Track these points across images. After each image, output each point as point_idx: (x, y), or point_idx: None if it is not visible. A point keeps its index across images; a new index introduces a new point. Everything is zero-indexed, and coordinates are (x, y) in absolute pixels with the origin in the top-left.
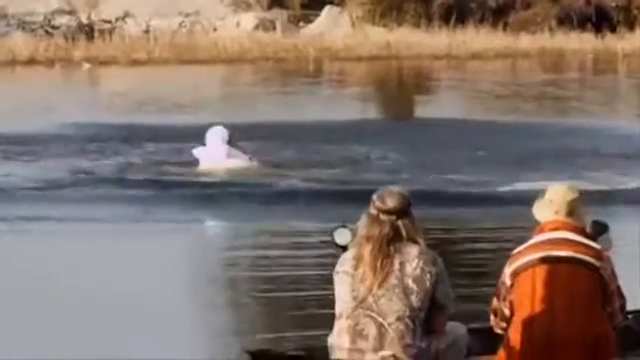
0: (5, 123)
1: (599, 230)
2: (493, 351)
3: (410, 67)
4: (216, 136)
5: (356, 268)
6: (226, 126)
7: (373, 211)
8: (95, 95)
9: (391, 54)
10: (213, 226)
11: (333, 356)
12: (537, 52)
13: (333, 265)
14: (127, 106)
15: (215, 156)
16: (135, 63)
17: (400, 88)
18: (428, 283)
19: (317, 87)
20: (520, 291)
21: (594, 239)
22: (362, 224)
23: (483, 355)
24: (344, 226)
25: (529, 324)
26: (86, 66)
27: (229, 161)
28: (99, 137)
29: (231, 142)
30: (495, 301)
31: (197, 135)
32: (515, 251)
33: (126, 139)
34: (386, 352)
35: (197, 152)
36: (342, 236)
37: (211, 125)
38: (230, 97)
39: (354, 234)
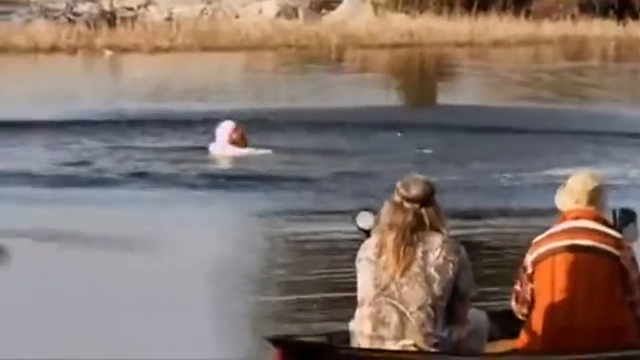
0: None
1: (626, 219)
2: (513, 335)
3: (432, 54)
4: (224, 132)
5: (379, 255)
6: (248, 112)
7: (397, 199)
8: (119, 82)
9: (413, 41)
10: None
11: (354, 342)
12: (559, 39)
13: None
14: (149, 93)
15: (224, 151)
16: (157, 50)
17: (422, 75)
18: (451, 272)
19: (339, 74)
20: (540, 279)
21: (619, 228)
22: (385, 211)
23: (503, 339)
24: (367, 209)
25: (550, 311)
26: (108, 53)
27: (238, 151)
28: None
29: (240, 135)
30: (517, 287)
31: (216, 122)
32: (536, 239)
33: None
34: (407, 341)
35: (212, 147)
36: (364, 220)
37: (233, 112)
38: (252, 84)
39: (377, 219)
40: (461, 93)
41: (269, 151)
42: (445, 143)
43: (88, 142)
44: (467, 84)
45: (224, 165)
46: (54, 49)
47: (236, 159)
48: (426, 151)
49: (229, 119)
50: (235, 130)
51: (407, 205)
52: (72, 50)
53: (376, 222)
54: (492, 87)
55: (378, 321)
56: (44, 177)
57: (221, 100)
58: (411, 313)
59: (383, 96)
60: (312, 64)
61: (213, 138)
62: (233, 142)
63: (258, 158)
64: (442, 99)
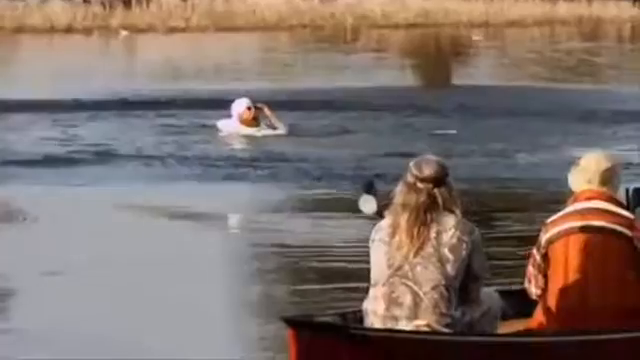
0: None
1: (639, 199)
2: (527, 314)
3: (447, 35)
4: (236, 110)
5: (392, 236)
6: (263, 92)
7: (410, 179)
8: (136, 63)
9: (428, 22)
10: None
11: (367, 321)
12: (575, 20)
13: None
14: (163, 73)
15: (238, 128)
16: (172, 31)
17: (438, 56)
18: (464, 253)
19: (354, 55)
20: (554, 260)
21: (632, 208)
22: (398, 192)
23: (517, 318)
24: (368, 191)
25: (563, 292)
26: (123, 34)
27: (253, 129)
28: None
29: (252, 114)
30: (530, 268)
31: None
32: (549, 220)
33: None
34: (420, 321)
35: (222, 124)
36: (367, 205)
37: (248, 92)
38: (267, 64)
39: (386, 198)
40: (476, 74)
41: (282, 131)
42: (464, 123)
43: (101, 121)
44: (482, 64)
45: (236, 145)
46: (70, 30)
47: (248, 138)
48: (450, 132)
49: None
50: (248, 109)
51: (420, 185)
52: (87, 31)
53: (380, 201)
54: (507, 67)
55: (391, 301)
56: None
57: (235, 80)
58: (425, 293)
59: (398, 76)
60: (327, 44)
61: (225, 116)
62: (245, 121)
63: (270, 137)
64: (457, 80)
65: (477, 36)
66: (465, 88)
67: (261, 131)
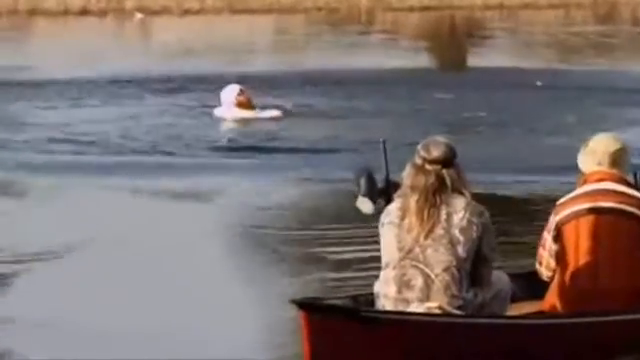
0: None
1: None
2: (537, 296)
3: (462, 17)
4: (229, 95)
5: (402, 218)
6: (276, 73)
7: (418, 161)
8: (150, 44)
9: (443, 4)
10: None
11: (378, 304)
12: (589, 2)
13: None
14: (177, 54)
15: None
16: (187, 13)
17: (453, 38)
18: (475, 234)
19: (369, 37)
20: (565, 241)
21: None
22: (407, 174)
23: (528, 300)
24: (368, 187)
25: (574, 273)
26: (138, 16)
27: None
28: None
29: (246, 98)
30: (541, 250)
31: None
32: (560, 202)
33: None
34: (432, 303)
35: (217, 112)
36: (364, 205)
37: (261, 73)
38: (282, 46)
39: (393, 185)
40: (491, 55)
41: (278, 112)
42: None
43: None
44: (497, 46)
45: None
46: (84, 12)
47: (242, 121)
48: (481, 114)
49: (258, 79)
50: (241, 93)
51: (428, 167)
52: (102, 13)
53: (374, 193)
54: (522, 49)
55: (403, 284)
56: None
57: (248, 61)
58: (436, 275)
59: (413, 58)
60: (342, 27)
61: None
62: (239, 104)
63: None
64: (472, 62)
65: (540, 82)
66: (481, 70)
67: (259, 114)
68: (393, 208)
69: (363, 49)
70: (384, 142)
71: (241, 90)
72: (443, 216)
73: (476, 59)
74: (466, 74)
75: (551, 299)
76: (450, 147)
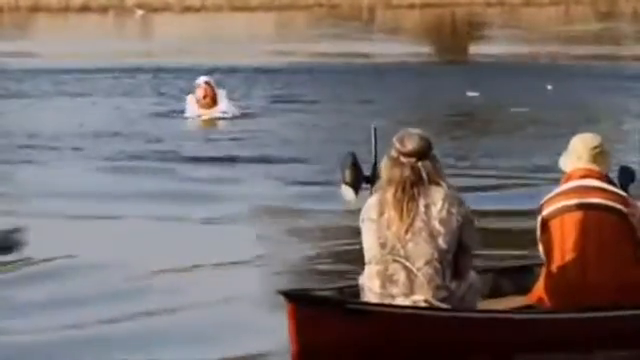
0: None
1: (630, 177)
2: (524, 291)
3: (463, 14)
4: (194, 95)
5: (381, 214)
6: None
7: (393, 154)
8: (150, 41)
9: (444, 1)
10: None
11: (363, 296)
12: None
13: None
14: (176, 51)
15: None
16: (188, 10)
17: (453, 34)
18: (455, 225)
19: (371, 33)
20: (550, 238)
21: (624, 186)
22: (383, 167)
23: (515, 295)
24: (352, 173)
25: (562, 269)
26: (139, 13)
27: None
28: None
29: (210, 96)
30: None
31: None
32: (544, 199)
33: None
34: (418, 297)
35: (189, 99)
36: (346, 194)
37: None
38: (282, 43)
39: (372, 175)
40: (491, 51)
41: (236, 111)
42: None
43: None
44: (497, 42)
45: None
46: (85, 8)
47: (206, 121)
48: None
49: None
50: (203, 92)
51: (403, 159)
52: (103, 9)
53: (358, 180)
54: (523, 44)
55: (386, 278)
56: None
57: (246, 57)
58: (418, 269)
59: (415, 53)
60: (344, 24)
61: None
62: (202, 104)
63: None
64: (472, 56)
65: (550, 86)
66: (481, 64)
67: (213, 114)
68: (372, 203)
69: (364, 42)
70: (375, 129)
71: (204, 88)
72: (422, 209)
73: (476, 53)
74: (465, 67)
75: (539, 293)
76: (425, 139)
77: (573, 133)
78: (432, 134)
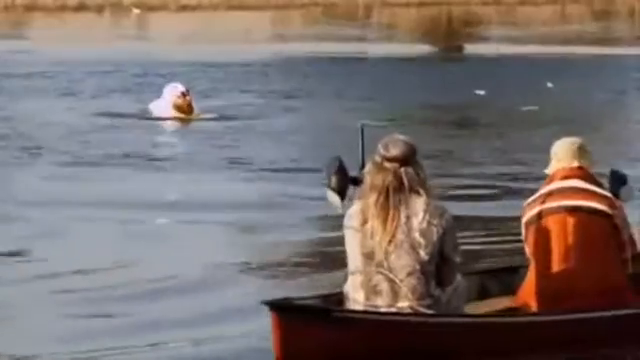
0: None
1: (620, 181)
2: (511, 292)
3: (459, 12)
4: (170, 94)
5: (364, 223)
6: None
7: (377, 159)
8: (146, 40)
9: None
10: None
11: (347, 305)
12: None
13: None
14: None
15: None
16: (184, 9)
17: (449, 32)
18: (435, 237)
19: (367, 31)
20: (534, 240)
21: (614, 190)
22: (367, 172)
23: (501, 296)
24: (339, 177)
25: (547, 272)
26: (135, 12)
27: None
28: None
29: (187, 101)
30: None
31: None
32: (527, 202)
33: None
34: (403, 303)
35: (153, 105)
36: (331, 198)
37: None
38: (279, 41)
39: (359, 176)
40: (488, 49)
41: (211, 116)
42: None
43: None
44: (493, 40)
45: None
46: (81, 7)
47: (179, 124)
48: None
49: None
50: (182, 95)
51: (387, 165)
52: (99, 8)
53: (341, 182)
54: (519, 43)
55: (370, 290)
56: None
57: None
58: (401, 280)
59: (411, 51)
60: (340, 22)
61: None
62: (178, 107)
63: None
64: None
65: (550, 84)
66: (479, 62)
67: (194, 117)
68: (354, 211)
69: (361, 40)
70: (362, 127)
71: (183, 93)
72: (403, 219)
73: (472, 51)
74: (461, 63)
75: (524, 296)
76: (410, 145)
77: (589, 129)
78: (438, 135)
